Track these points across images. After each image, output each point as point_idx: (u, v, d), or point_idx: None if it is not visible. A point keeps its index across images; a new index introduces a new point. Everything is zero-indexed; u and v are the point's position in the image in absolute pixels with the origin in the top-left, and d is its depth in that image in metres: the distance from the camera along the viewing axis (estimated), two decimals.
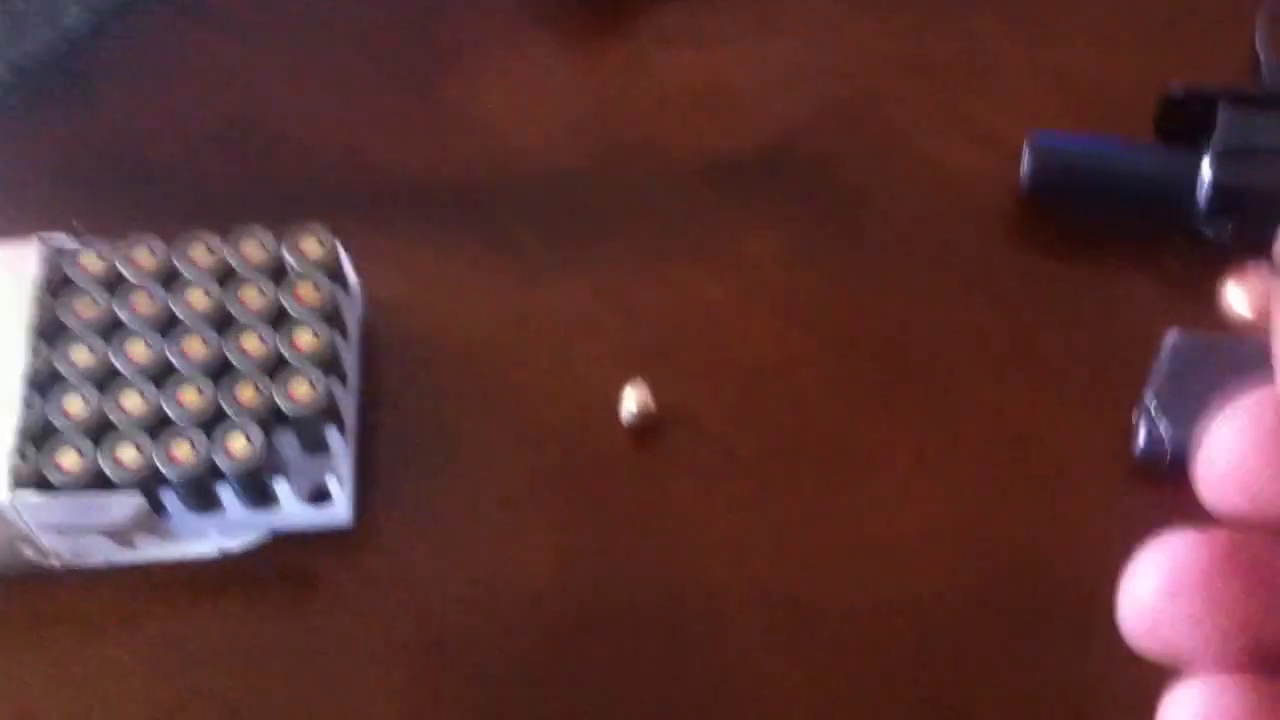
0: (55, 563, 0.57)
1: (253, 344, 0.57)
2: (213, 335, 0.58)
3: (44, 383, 0.57)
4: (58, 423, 0.56)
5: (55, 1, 0.70)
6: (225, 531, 0.58)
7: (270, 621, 0.57)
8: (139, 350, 0.57)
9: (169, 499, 0.57)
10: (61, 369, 0.57)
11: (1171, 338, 0.59)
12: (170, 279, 0.59)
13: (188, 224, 0.60)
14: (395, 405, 0.61)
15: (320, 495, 0.58)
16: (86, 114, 0.70)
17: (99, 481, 0.55)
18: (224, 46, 0.72)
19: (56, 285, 0.59)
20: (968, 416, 0.61)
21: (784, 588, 0.57)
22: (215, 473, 0.56)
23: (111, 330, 0.58)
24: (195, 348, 0.57)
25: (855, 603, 0.56)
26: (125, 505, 0.55)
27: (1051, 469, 0.59)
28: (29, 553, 0.57)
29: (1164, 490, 0.52)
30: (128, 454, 0.55)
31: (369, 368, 0.62)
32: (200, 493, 0.56)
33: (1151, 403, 0.58)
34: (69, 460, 0.55)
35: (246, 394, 0.56)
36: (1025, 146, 0.64)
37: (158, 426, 0.56)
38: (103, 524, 0.56)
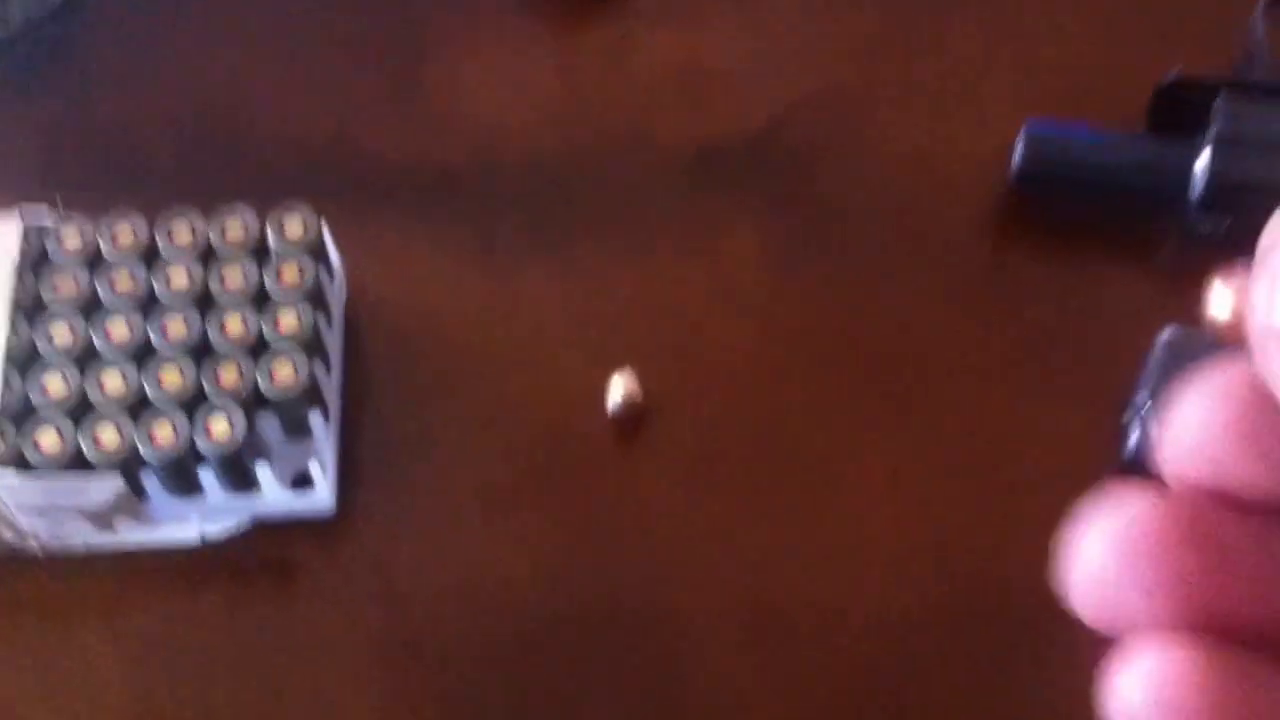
0: (34, 545, 0.56)
1: (235, 325, 0.57)
2: (194, 315, 0.57)
3: (24, 361, 0.56)
4: (37, 402, 0.55)
5: None
6: (206, 516, 0.57)
7: (250, 611, 0.57)
8: (120, 329, 0.57)
9: (149, 481, 0.56)
10: (41, 347, 0.56)
11: (1167, 335, 0.56)
12: (152, 257, 0.58)
13: (170, 202, 0.59)
14: (377, 391, 0.61)
15: (302, 481, 0.57)
16: (70, 89, 0.69)
17: (78, 462, 0.55)
18: (210, 25, 0.71)
19: (37, 261, 0.59)
20: (950, 414, 0.60)
21: (762, 590, 0.56)
22: (196, 455, 0.55)
23: (92, 309, 0.57)
24: (176, 328, 0.57)
25: (834, 606, 0.56)
26: (105, 487, 0.55)
27: (1036, 473, 0.58)
28: (8, 535, 0.56)
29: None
30: (107, 435, 0.55)
31: (351, 353, 0.61)
32: (181, 475, 0.56)
33: (1145, 404, 0.56)
34: (48, 440, 0.54)
35: (228, 376, 0.56)
36: (1020, 134, 0.63)
37: (138, 407, 0.55)
38: (82, 506, 0.55)
